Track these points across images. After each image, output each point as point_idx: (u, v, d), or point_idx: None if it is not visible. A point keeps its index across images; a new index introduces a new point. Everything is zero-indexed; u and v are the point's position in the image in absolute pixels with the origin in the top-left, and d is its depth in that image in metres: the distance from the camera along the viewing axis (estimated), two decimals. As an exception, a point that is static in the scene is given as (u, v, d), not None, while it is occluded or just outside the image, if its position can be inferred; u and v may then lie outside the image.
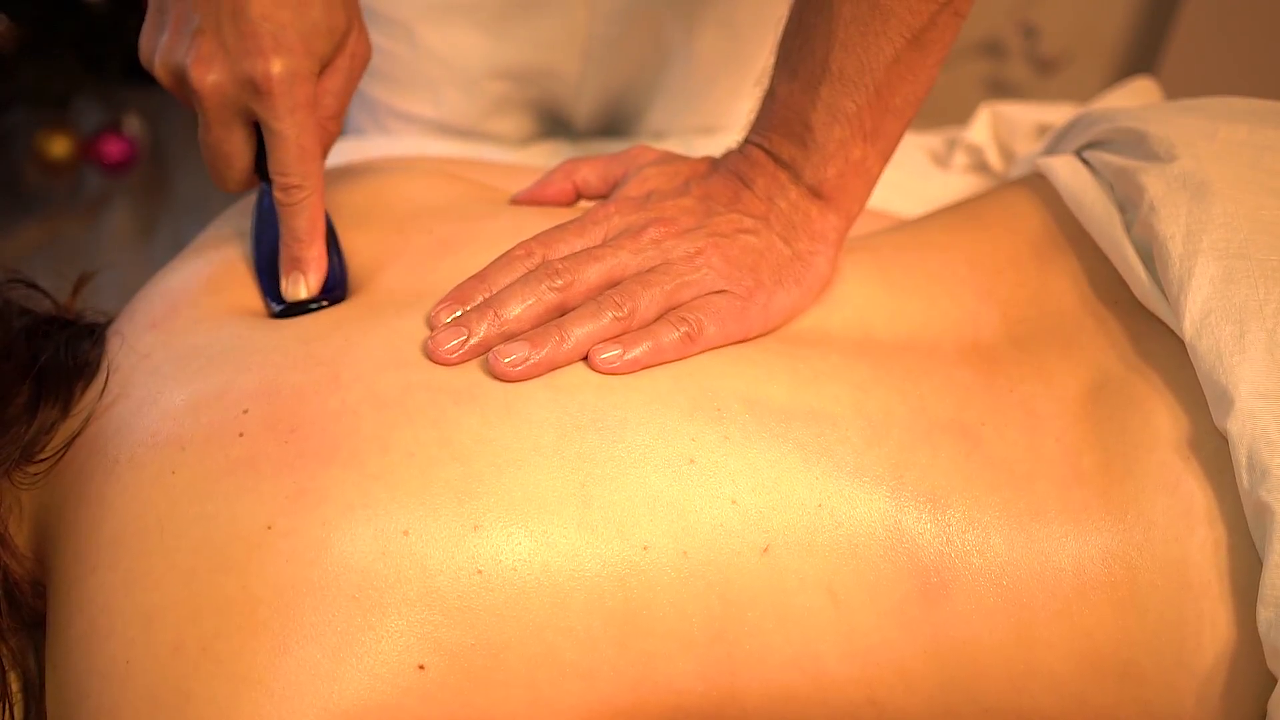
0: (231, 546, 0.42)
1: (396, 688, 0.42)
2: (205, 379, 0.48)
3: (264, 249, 0.55)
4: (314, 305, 0.53)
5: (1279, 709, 0.42)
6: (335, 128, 0.55)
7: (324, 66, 0.53)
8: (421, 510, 0.43)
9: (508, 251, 0.51)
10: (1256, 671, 0.44)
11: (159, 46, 0.52)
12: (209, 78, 0.50)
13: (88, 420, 0.49)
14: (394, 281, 0.53)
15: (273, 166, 0.52)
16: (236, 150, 0.53)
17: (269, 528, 0.43)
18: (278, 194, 0.53)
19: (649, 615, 0.44)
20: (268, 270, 0.55)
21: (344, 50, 0.54)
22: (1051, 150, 0.65)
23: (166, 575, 0.42)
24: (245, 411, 0.45)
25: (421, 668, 0.42)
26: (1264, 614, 0.43)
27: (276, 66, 0.49)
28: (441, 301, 0.49)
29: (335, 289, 0.54)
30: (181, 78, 0.51)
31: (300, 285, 0.53)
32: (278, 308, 0.53)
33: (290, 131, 0.51)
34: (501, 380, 0.46)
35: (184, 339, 0.51)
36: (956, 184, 0.86)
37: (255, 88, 0.50)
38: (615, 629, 0.44)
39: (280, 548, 0.42)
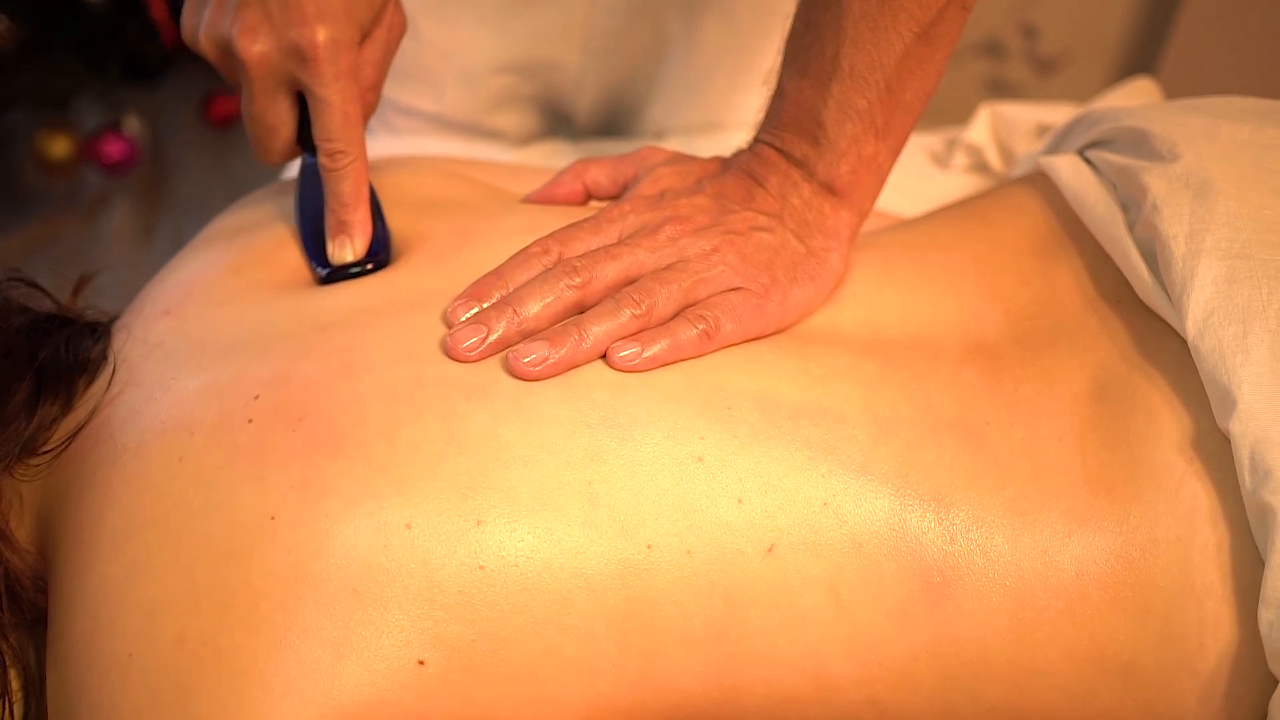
0: (234, 537, 0.42)
1: (396, 683, 0.42)
2: (220, 365, 0.48)
3: (308, 218, 0.56)
4: (358, 269, 0.54)
5: (1281, 710, 0.42)
6: (374, 98, 0.57)
7: (364, 36, 0.54)
8: (425, 504, 0.43)
9: (524, 248, 0.51)
10: (1259, 673, 0.44)
11: (202, 21, 0.53)
12: (255, 48, 0.51)
13: (93, 412, 0.49)
14: (414, 270, 0.53)
15: (318, 134, 0.54)
16: (280, 120, 0.55)
17: (272, 518, 0.42)
18: (323, 160, 0.54)
19: (651, 614, 0.44)
20: (312, 238, 0.56)
21: (382, 21, 0.56)
22: (1054, 149, 0.65)
23: (170, 567, 0.42)
24: (256, 398, 0.46)
25: (421, 663, 0.42)
26: (1266, 615, 0.43)
27: (322, 34, 0.51)
28: (458, 297, 0.49)
29: (380, 252, 0.54)
30: (227, 50, 0.52)
31: (347, 248, 0.54)
32: (324, 272, 0.54)
33: (335, 98, 0.52)
34: (521, 379, 0.46)
35: (200, 324, 0.51)
36: (956, 184, 0.86)
37: (301, 55, 0.51)
38: (616, 627, 0.44)
39: (283, 539, 0.42)
